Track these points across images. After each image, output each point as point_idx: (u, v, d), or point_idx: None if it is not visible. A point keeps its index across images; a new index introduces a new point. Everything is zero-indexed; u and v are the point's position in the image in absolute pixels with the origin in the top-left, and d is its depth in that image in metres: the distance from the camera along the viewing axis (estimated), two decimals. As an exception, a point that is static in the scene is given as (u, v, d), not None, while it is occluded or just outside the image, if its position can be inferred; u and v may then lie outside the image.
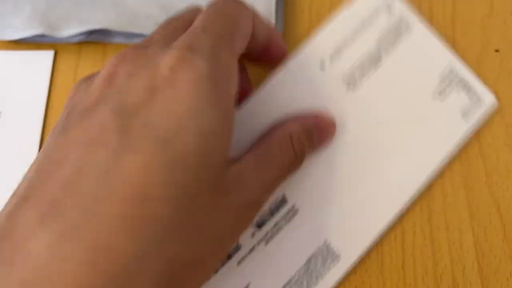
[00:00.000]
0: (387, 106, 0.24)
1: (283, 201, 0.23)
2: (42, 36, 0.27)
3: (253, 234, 0.22)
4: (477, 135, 0.25)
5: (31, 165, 0.16)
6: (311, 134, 0.22)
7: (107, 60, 0.18)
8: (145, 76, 0.16)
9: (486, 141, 0.25)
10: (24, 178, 0.16)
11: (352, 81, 0.24)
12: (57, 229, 0.14)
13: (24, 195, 0.15)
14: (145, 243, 0.14)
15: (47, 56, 0.27)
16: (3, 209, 0.15)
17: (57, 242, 0.14)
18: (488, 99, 0.24)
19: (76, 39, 0.27)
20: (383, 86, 0.24)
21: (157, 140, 0.15)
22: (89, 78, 0.18)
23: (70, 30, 0.26)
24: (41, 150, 0.16)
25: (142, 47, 0.17)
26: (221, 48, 0.17)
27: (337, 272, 0.22)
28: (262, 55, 0.22)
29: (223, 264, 0.22)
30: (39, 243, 0.14)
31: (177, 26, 0.19)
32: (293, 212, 0.23)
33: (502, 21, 0.27)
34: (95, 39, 0.27)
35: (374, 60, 0.25)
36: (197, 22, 0.18)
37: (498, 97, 0.25)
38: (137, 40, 0.27)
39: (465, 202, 0.24)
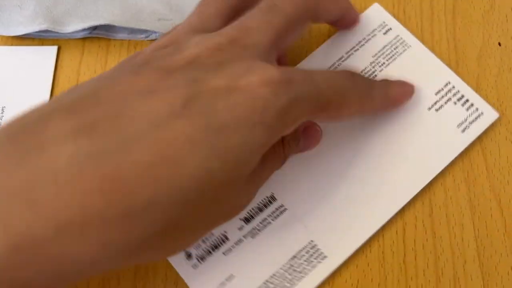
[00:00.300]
0: (380, 117, 0.24)
1: (271, 199, 0.23)
2: (46, 31, 0.27)
3: (241, 228, 0.23)
4: (478, 130, 0.25)
5: (90, 82, 0.17)
6: (298, 138, 0.23)
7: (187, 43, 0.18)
8: (232, 73, 0.17)
9: (487, 135, 0.25)
10: (76, 90, 0.16)
11: None
12: (85, 148, 0.14)
13: (68, 106, 0.16)
14: (157, 196, 0.15)
15: (50, 51, 0.28)
16: (38, 107, 0.16)
17: (79, 159, 0.14)
18: (489, 113, 0.25)
19: (80, 35, 0.27)
20: None
21: (211, 126, 0.16)
22: (179, 41, 0.19)
23: (74, 25, 0.26)
24: (107, 75, 0.17)
25: (240, 37, 0.18)
26: (308, 108, 0.18)
27: (322, 271, 0.22)
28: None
29: (210, 253, 0.22)
30: (62, 151, 0.14)
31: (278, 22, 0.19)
32: (281, 210, 0.23)
33: (503, 17, 0.27)
34: (99, 34, 0.27)
35: (369, 74, 0.25)
36: (317, 74, 0.19)
37: (498, 93, 0.26)
38: (140, 36, 0.27)
39: (466, 196, 0.24)
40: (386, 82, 0.23)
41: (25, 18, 0.27)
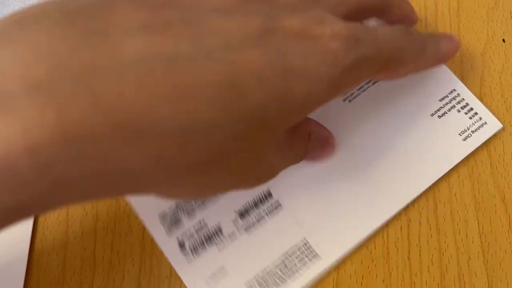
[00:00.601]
0: (383, 119, 0.24)
1: (268, 195, 0.23)
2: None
3: (235, 220, 0.23)
4: (482, 127, 0.25)
5: None
6: (319, 141, 0.23)
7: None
8: (308, 18, 0.17)
9: (491, 132, 0.25)
10: None
11: (349, 94, 0.25)
12: (157, 47, 0.13)
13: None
14: (218, 121, 0.14)
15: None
16: None
17: (149, 58, 0.13)
18: (493, 123, 0.24)
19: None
20: (380, 100, 0.25)
21: (281, 65, 0.15)
22: None
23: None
24: None
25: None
26: (369, 68, 0.18)
27: (314, 270, 0.22)
28: None
29: (203, 244, 0.22)
30: (131, 44, 0.13)
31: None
32: (277, 206, 0.23)
33: (508, 14, 0.27)
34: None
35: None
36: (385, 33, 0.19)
37: (502, 89, 0.26)
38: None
39: (471, 193, 0.24)
40: (436, 38, 0.23)
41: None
